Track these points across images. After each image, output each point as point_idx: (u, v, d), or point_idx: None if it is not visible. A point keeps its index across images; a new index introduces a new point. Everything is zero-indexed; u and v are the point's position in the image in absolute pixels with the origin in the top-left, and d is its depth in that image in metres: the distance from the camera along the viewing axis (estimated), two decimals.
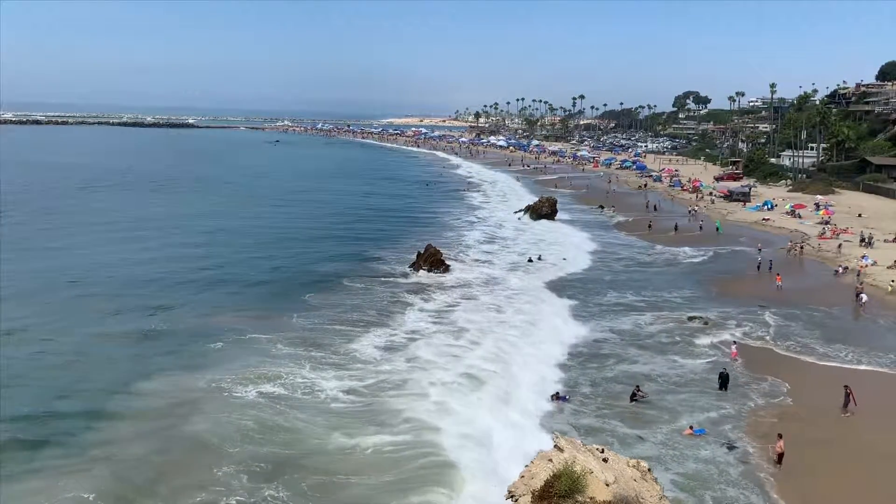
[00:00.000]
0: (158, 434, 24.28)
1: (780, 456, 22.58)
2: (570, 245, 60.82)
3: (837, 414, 26.32)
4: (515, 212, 77.96)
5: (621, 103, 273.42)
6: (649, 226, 69.43)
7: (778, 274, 46.80)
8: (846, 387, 26.76)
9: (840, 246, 56.03)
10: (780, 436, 23.09)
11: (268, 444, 23.47)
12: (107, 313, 37.91)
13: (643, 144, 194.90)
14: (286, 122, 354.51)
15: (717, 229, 66.47)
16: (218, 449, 23.08)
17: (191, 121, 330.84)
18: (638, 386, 28.34)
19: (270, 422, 24.96)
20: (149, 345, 33.24)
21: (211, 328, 35.31)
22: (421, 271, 48.24)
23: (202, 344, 33.06)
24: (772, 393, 28.60)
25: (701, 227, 68.15)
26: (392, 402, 27.05)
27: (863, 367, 31.05)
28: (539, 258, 54.19)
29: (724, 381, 28.76)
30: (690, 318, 38.11)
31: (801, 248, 56.73)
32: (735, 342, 33.37)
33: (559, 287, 45.89)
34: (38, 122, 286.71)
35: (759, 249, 56.03)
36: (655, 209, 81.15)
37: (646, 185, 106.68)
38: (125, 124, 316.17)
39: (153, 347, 32.87)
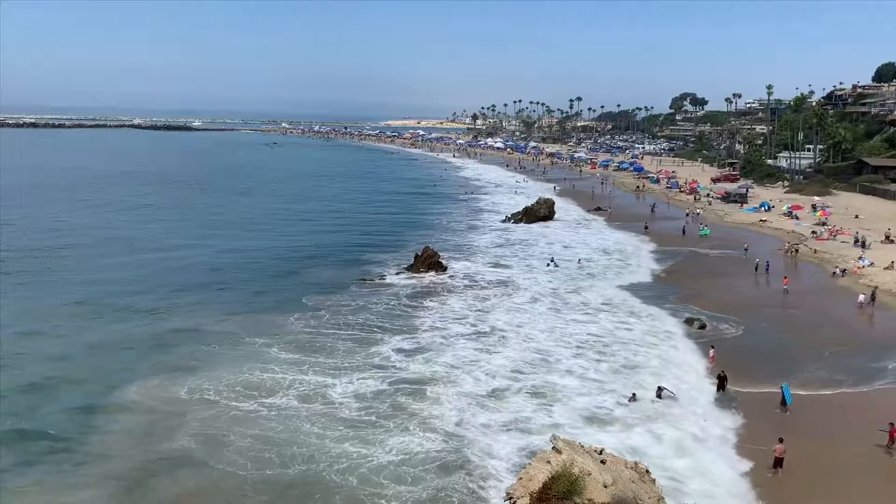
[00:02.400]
0: (153, 449, 23.36)
1: (779, 461, 22.26)
2: (575, 247, 60.77)
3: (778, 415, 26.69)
4: (509, 216, 76.85)
5: (618, 105, 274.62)
6: (646, 227, 69.57)
7: (785, 277, 47.26)
8: (781, 387, 27.61)
9: (863, 246, 55.61)
10: (780, 440, 22.78)
11: (282, 466, 22.24)
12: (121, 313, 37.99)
13: (640, 146, 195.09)
14: (284, 125, 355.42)
15: (706, 234, 65.83)
16: (231, 473, 21.90)
17: (197, 124, 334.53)
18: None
19: (278, 438, 23.85)
20: (138, 347, 32.78)
21: (203, 331, 34.98)
22: (419, 273, 48.14)
23: (195, 345, 32.65)
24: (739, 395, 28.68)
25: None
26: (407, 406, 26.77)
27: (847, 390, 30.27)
28: (552, 261, 53.31)
29: (721, 382, 28.93)
30: (688, 321, 38.16)
31: (796, 249, 56.76)
32: (713, 346, 33.46)
33: (566, 292, 45.89)
34: (34, 126, 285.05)
35: (746, 249, 56.60)
36: (652, 211, 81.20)
37: (643, 187, 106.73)
38: (123, 126, 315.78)
39: (143, 350, 32.35)
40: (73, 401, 27.09)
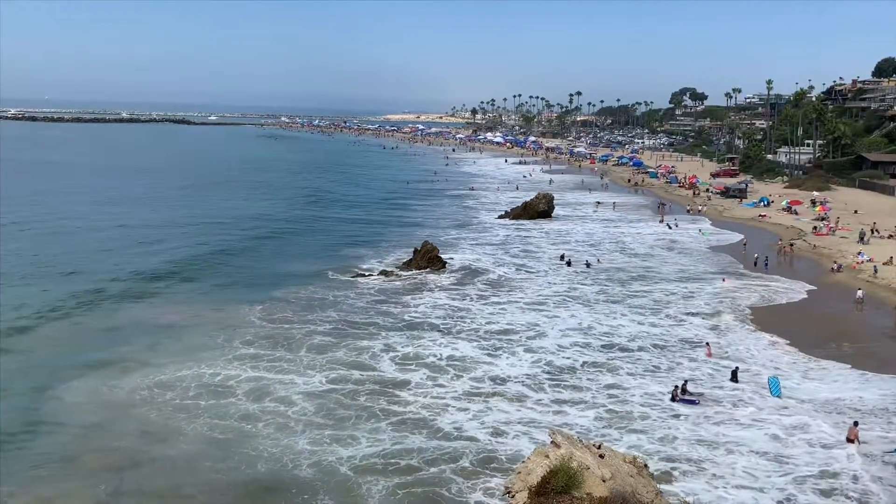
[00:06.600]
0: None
1: (850, 441, 23.43)
2: (585, 243, 60.46)
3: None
4: (509, 211, 75.87)
5: (618, 100, 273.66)
6: (661, 221, 70.22)
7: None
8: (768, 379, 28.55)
9: (863, 241, 54.97)
10: (855, 423, 24.06)
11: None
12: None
13: (640, 141, 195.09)
14: (284, 119, 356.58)
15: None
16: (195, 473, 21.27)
17: (213, 118, 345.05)
18: (677, 386, 28.06)
19: (224, 438, 23.16)
20: (90, 339, 32.32)
21: (187, 329, 34.43)
22: (417, 269, 47.72)
23: (155, 340, 32.13)
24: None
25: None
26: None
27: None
28: (562, 258, 52.64)
29: (734, 374, 29.73)
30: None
31: (791, 245, 56.76)
32: (708, 343, 33.60)
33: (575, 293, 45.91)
34: (33, 119, 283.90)
35: (745, 245, 56.65)
36: (661, 207, 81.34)
37: (642, 182, 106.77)
38: (122, 121, 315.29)
39: (93, 344, 31.76)
40: (15, 399, 26.11)
